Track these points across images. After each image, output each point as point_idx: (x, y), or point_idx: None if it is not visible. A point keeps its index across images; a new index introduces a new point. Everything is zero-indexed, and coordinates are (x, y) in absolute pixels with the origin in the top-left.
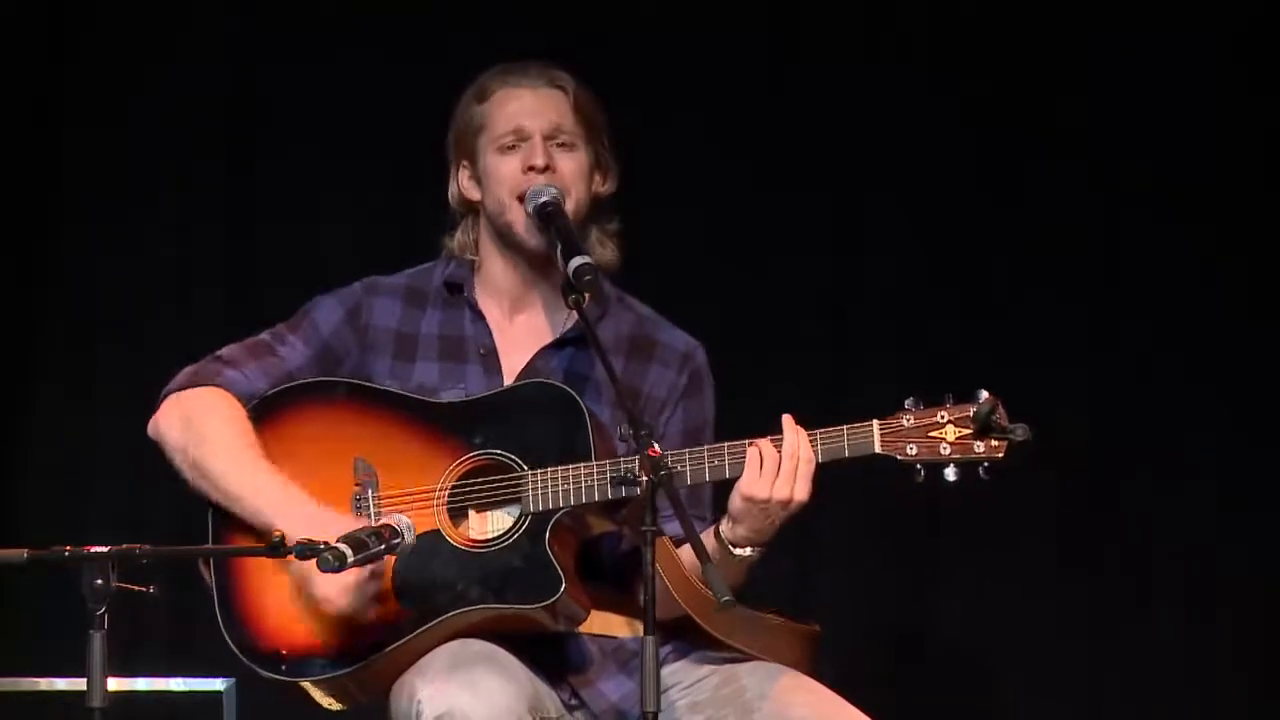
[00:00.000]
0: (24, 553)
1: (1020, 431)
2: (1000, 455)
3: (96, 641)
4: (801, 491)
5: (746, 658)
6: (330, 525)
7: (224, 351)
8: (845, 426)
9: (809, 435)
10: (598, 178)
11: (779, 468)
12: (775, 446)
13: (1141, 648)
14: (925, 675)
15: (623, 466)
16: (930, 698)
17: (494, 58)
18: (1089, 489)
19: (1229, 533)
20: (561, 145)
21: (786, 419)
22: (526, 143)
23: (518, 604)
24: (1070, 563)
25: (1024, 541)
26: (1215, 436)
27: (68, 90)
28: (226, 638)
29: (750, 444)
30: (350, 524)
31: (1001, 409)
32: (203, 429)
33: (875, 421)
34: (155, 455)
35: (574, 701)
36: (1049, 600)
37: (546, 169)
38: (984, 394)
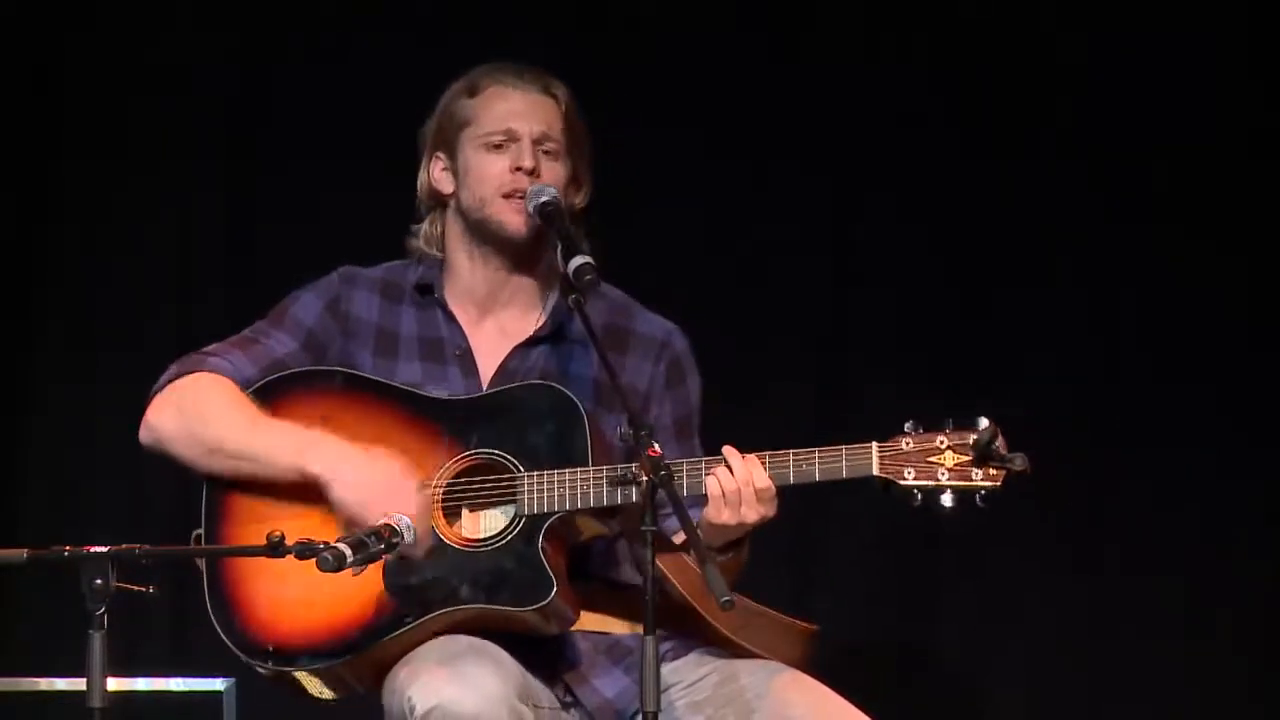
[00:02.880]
0: (24, 553)
1: (1019, 461)
2: (998, 484)
3: (96, 641)
4: (768, 510)
5: (746, 656)
6: (358, 454)
7: (206, 348)
8: (844, 447)
9: (803, 453)
10: (572, 190)
11: (740, 495)
12: (732, 473)
13: (1141, 648)
14: (925, 676)
15: (621, 467)
16: (930, 698)
17: (494, 57)
18: (1089, 489)
19: (1229, 533)
20: (547, 152)
21: (728, 450)
22: (515, 144)
23: (508, 606)
24: (1070, 564)
25: (1024, 542)
26: (1215, 437)
27: (68, 90)
28: (218, 629)
29: (708, 473)
30: (374, 456)
31: (1002, 437)
32: (201, 409)
33: (874, 444)
34: (156, 461)
35: (568, 699)
36: (1049, 601)
37: (533, 172)
38: (984, 421)
